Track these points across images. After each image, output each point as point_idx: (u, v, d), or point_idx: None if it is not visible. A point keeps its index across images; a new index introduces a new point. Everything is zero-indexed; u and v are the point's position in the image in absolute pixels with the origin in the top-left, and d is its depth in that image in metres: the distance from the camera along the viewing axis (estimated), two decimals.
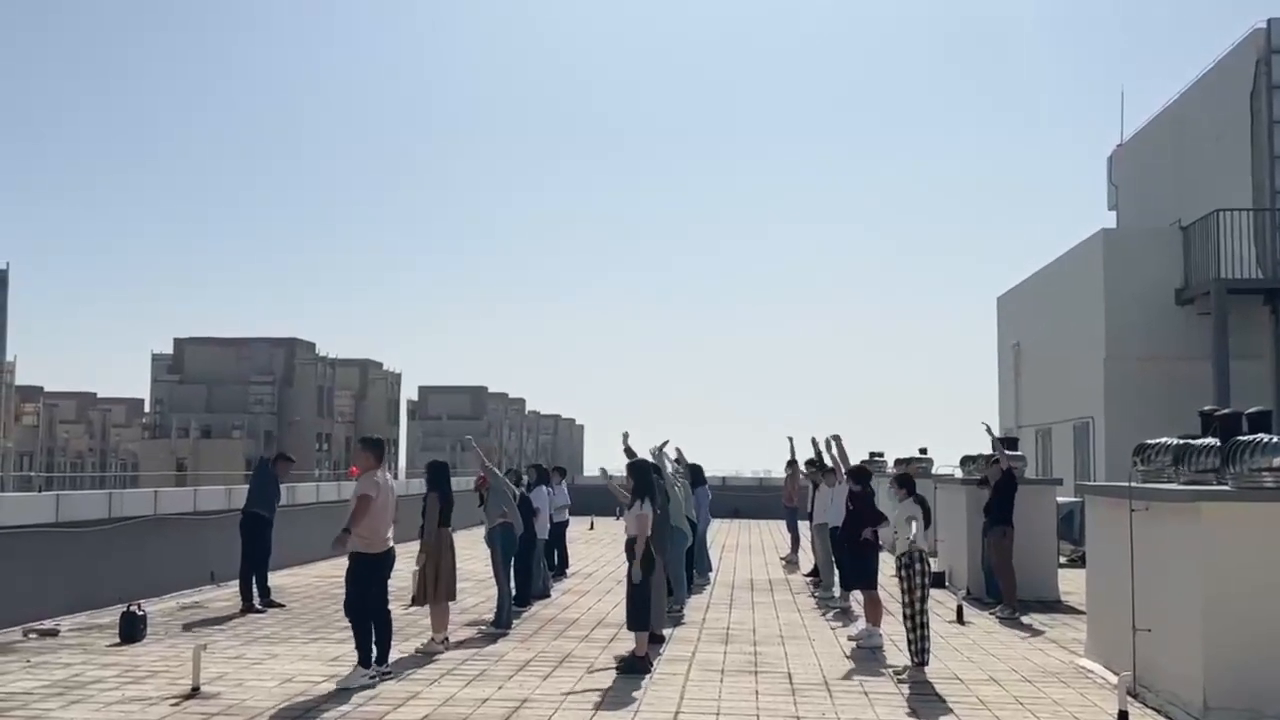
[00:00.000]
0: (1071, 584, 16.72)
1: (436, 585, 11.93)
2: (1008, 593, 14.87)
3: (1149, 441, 11.19)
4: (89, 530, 14.21)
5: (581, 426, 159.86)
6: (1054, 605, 15.76)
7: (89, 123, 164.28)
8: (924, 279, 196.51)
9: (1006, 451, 18.21)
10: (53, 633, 12.33)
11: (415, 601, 12.32)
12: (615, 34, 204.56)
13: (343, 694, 9.52)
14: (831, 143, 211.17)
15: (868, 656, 11.60)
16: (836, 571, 16.12)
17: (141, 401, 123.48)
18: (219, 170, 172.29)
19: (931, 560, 12.64)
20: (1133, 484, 10.22)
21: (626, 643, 12.15)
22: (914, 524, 10.60)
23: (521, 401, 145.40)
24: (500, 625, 12.97)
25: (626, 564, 11.90)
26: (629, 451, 13.39)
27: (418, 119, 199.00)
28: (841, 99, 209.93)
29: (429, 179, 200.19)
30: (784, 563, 22.24)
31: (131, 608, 12.22)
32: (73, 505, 13.96)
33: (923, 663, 10.48)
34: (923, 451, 24.30)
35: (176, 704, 9.08)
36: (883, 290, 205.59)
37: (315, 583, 17.48)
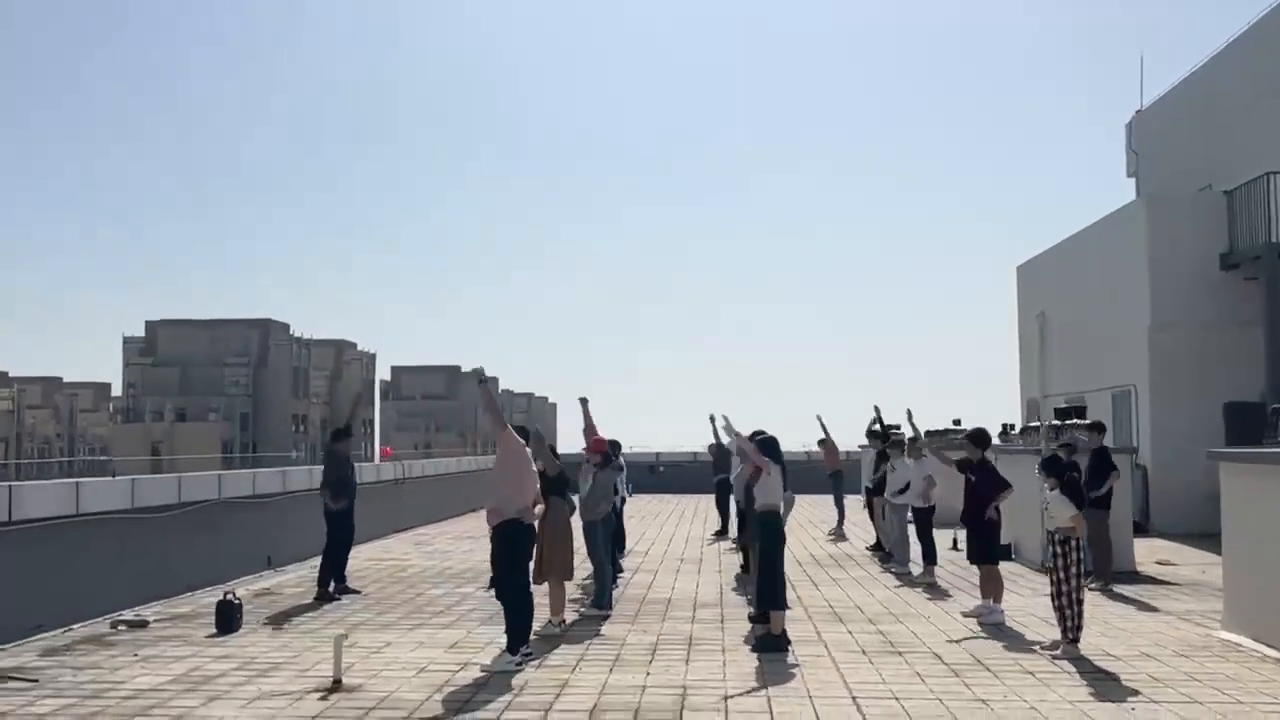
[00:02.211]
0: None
1: (555, 563, 11.39)
2: (1103, 565, 14.55)
3: None
4: (158, 516, 13.64)
5: (554, 404, 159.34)
6: (1133, 576, 15.47)
7: (53, 103, 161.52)
8: (927, 250, 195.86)
9: (1078, 420, 18.00)
10: (142, 623, 11.75)
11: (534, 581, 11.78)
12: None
13: (493, 683, 9.04)
14: (828, 111, 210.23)
15: (997, 634, 11.23)
16: (918, 547, 15.74)
17: (109, 385, 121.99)
18: (188, 149, 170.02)
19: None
20: None
21: (738, 623, 11.77)
22: (1061, 504, 10.21)
23: (495, 380, 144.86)
24: (602, 606, 12.49)
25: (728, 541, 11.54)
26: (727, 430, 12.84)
27: (388, 94, 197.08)
28: (844, 71, 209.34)
29: (400, 156, 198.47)
30: (831, 537, 21.87)
31: (228, 596, 11.66)
32: (146, 491, 13.36)
33: (1075, 640, 10.10)
34: (956, 423, 24.04)
35: (324, 698, 8.57)
36: (883, 262, 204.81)
37: (368, 567, 16.91)
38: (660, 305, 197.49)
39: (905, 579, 15.54)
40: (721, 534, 22.20)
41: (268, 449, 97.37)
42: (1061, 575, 10.12)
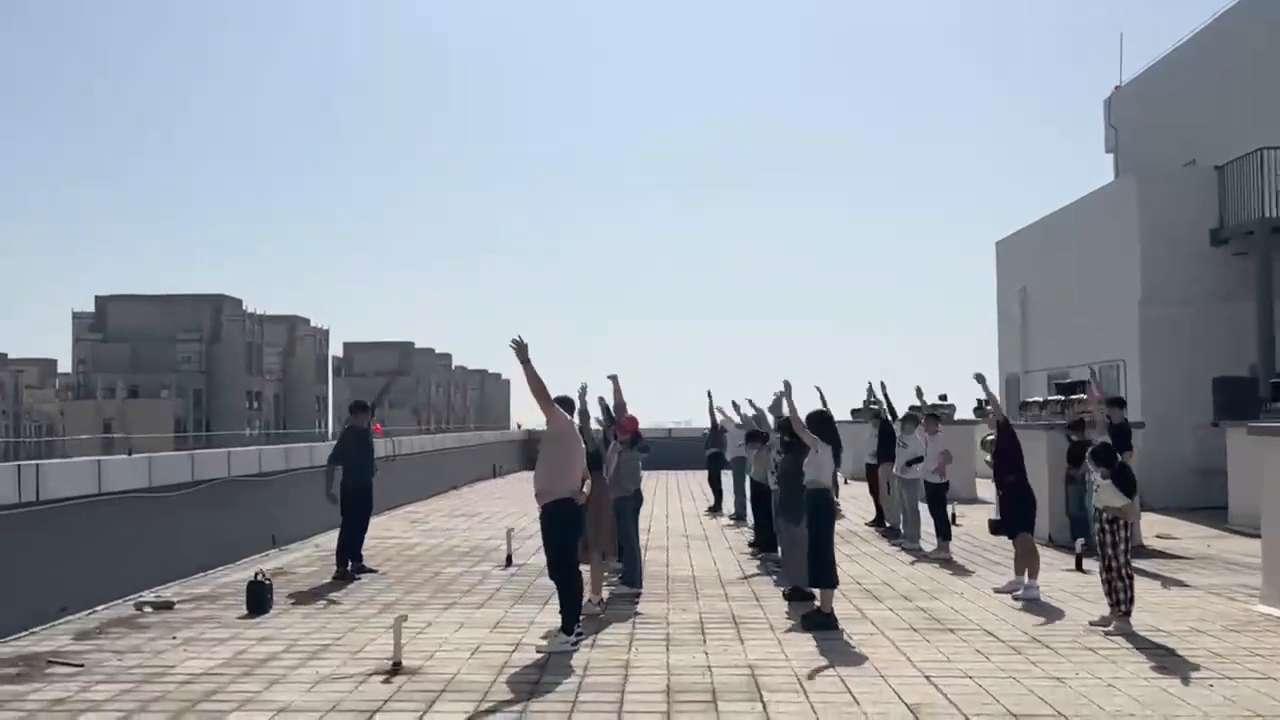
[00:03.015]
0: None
1: (599, 541, 11.20)
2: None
3: None
4: (170, 496, 13.32)
5: (508, 381, 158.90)
6: (1139, 551, 15.48)
7: None
8: (905, 226, 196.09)
9: (1081, 395, 18.02)
10: (167, 605, 11.45)
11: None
12: None
13: (553, 664, 8.87)
14: (809, 87, 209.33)
15: (1038, 609, 11.20)
16: (930, 522, 15.73)
17: (55, 362, 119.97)
18: (138, 120, 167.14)
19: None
20: None
21: (773, 601, 11.70)
22: (1112, 494, 10.16)
23: (448, 357, 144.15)
24: (633, 584, 12.33)
25: (792, 515, 11.50)
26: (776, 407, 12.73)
27: (339, 66, 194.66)
28: (814, 48, 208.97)
29: (351, 130, 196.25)
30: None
31: (259, 577, 11.39)
32: (163, 469, 13.04)
33: (1128, 614, 10.07)
34: (943, 398, 24.02)
35: (387, 681, 8.36)
36: (860, 239, 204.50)
37: (373, 546, 16.58)
38: (627, 280, 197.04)
39: (918, 555, 15.51)
40: (715, 510, 22.12)
41: (222, 426, 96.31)
42: (1111, 552, 10.08)
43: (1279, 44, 23.18)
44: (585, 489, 10.11)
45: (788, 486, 11.85)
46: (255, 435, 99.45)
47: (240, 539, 15.08)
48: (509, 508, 23.63)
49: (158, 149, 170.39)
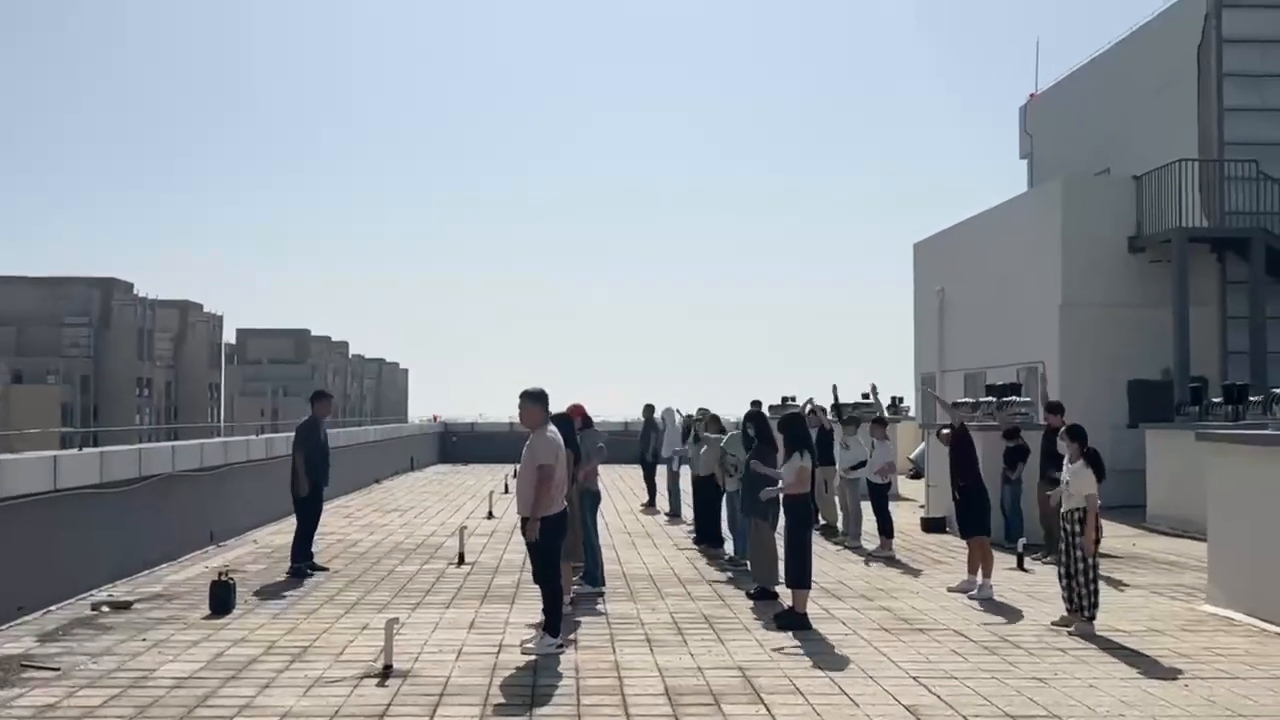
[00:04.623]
0: None
1: (573, 547, 11.20)
2: (1054, 540, 14.98)
3: None
4: (117, 492, 13.00)
5: (406, 371, 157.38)
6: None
7: None
8: (820, 227, 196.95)
9: (1010, 399, 18.48)
10: (125, 605, 11.19)
11: None
12: None
13: (543, 666, 8.88)
14: (726, 86, 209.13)
15: (996, 609, 11.51)
16: (874, 521, 16.02)
17: None
18: (26, 94, 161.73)
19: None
20: None
21: (738, 600, 11.83)
22: (1083, 476, 10.46)
23: (345, 345, 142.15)
24: (595, 583, 12.34)
25: (756, 520, 11.64)
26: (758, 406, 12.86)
27: (241, 43, 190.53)
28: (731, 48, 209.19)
29: (246, 108, 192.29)
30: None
31: (223, 577, 11.18)
32: (113, 464, 12.72)
33: (1092, 618, 10.37)
34: (866, 396, 24.40)
35: (381, 684, 8.29)
36: (772, 238, 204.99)
37: (316, 541, 16.38)
38: (532, 273, 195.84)
39: (860, 553, 15.76)
40: (650, 506, 22.25)
41: (110, 413, 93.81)
42: (1079, 554, 10.38)
43: (1190, 61, 23.93)
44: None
45: (753, 485, 11.93)
46: (145, 422, 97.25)
47: (179, 536, 14.79)
48: (437, 503, 23.49)
49: (43, 122, 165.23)
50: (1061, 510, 10.72)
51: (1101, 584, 12.98)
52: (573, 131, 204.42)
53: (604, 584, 12.44)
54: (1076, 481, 10.47)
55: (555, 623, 9.50)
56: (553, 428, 9.80)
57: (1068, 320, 23.16)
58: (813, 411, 18.51)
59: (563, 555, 11.03)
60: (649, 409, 22.73)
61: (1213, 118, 23.43)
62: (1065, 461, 10.89)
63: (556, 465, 9.51)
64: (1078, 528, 10.41)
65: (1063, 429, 11.38)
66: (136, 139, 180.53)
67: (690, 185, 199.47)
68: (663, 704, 7.81)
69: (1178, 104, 24.19)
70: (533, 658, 9.13)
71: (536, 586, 9.83)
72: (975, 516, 12.62)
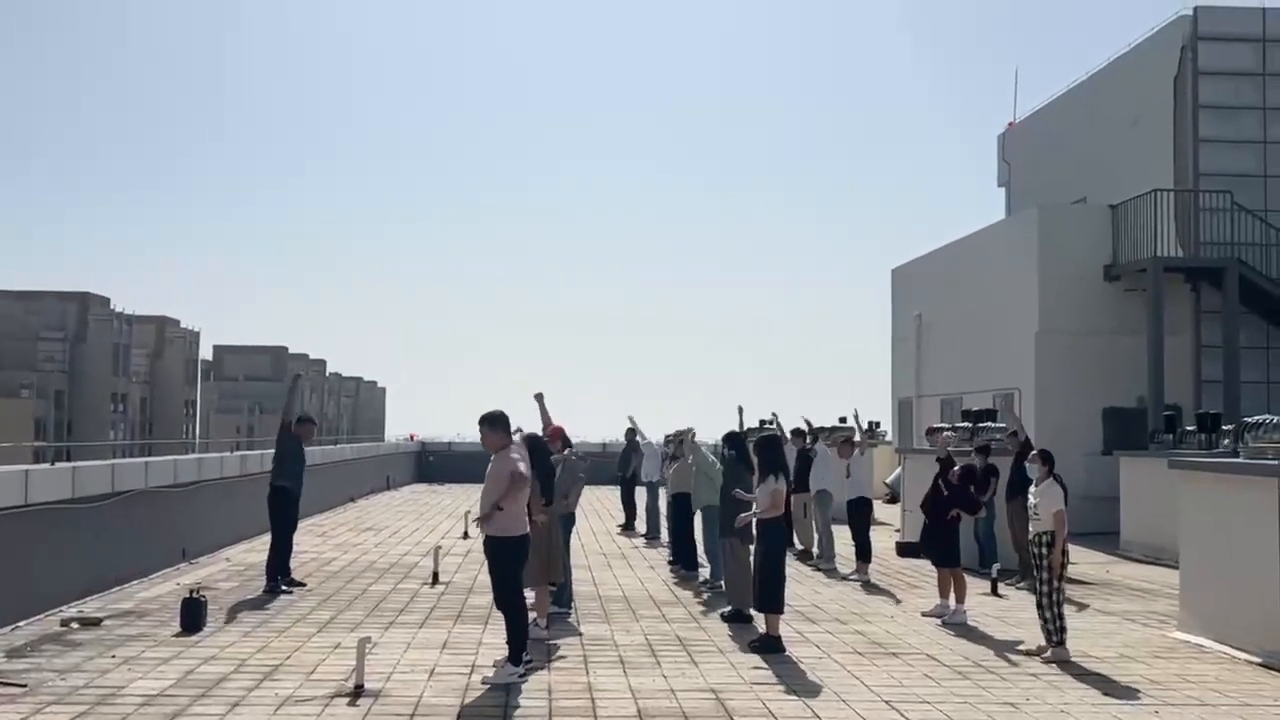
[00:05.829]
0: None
1: (549, 566, 11.15)
2: (1028, 566, 15.02)
3: (1252, 420, 11.39)
4: (90, 507, 12.92)
5: (384, 389, 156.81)
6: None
7: None
8: (797, 251, 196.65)
9: (986, 424, 18.54)
10: (95, 621, 11.10)
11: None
12: None
13: (514, 687, 8.83)
14: (702, 110, 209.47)
15: (969, 634, 11.53)
16: (852, 545, 16.04)
17: None
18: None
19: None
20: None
21: (712, 622, 11.83)
22: (1050, 495, 10.50)
23: (323, 363, 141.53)
24: (562, 604, 12.28)
25: (733, 541, 11.65)
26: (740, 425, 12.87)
27: (226, 58, 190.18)
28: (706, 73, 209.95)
29: (227, 125, 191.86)
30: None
31: (194, 594, 11.11)
32: (85, 479, 12.64)
33: (1062, 642, 10.40)
34: (842, 420, 24.45)
35: (352, 703, 8.25)
36: (751, 263, 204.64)
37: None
38: (511, 293, 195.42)
39: (835, 576, 15.77)
40: (627, 528, 22.21)
41: (85, 428, 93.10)
42: (1047, 575, 10.42)
43: (1167, 92, 24.16)
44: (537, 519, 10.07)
45: (729, 507, 11.93)
46: (120, 438, 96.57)
47: (151, 552, 14.69)
48: (412, 523, 23.42)
49: (19, 135, 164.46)
50: (1029, 535, 10.74)
51: (1069, 608, 13.15)
52: (548, 151, 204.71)
53: (571, 604, 12.41)
54: (1044, 501, 10.50)
55: (517, 651, 9.34)
56: (517, 451, 9.66)
57: (1044, 347, 23.28)
58: (798, 432, 18.60)
59: (541, 574, 11.07)
60: (631, 431, 22.69)
61: (1188, 149, 23.64)
62: (1033, 484, 10.93)
63: (525, 482, 9.45)
64: (1044, 550, 10.43)
65: (1033, 452, 11.42)
66: (115, 154, 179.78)
67: (667, 210, 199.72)
68: None
69: (1154, 135, 24.41)
70: (491, 684, 9.05)
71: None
72: (946, 547, 12.66)
